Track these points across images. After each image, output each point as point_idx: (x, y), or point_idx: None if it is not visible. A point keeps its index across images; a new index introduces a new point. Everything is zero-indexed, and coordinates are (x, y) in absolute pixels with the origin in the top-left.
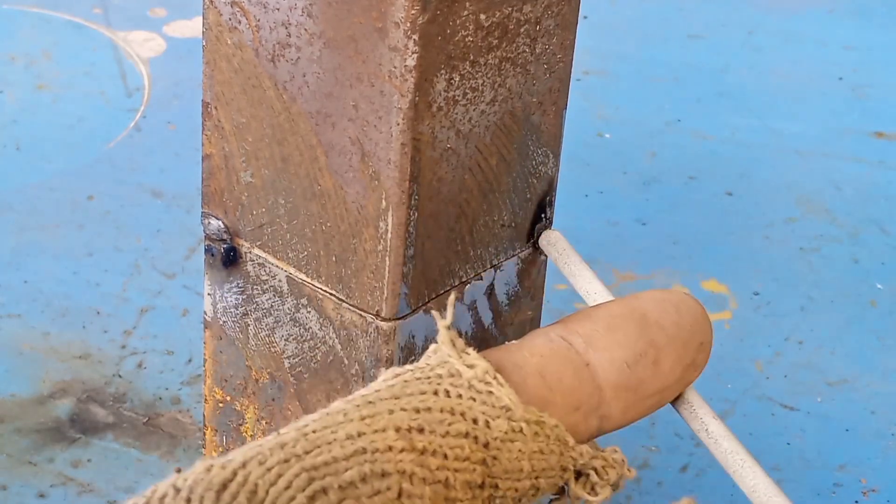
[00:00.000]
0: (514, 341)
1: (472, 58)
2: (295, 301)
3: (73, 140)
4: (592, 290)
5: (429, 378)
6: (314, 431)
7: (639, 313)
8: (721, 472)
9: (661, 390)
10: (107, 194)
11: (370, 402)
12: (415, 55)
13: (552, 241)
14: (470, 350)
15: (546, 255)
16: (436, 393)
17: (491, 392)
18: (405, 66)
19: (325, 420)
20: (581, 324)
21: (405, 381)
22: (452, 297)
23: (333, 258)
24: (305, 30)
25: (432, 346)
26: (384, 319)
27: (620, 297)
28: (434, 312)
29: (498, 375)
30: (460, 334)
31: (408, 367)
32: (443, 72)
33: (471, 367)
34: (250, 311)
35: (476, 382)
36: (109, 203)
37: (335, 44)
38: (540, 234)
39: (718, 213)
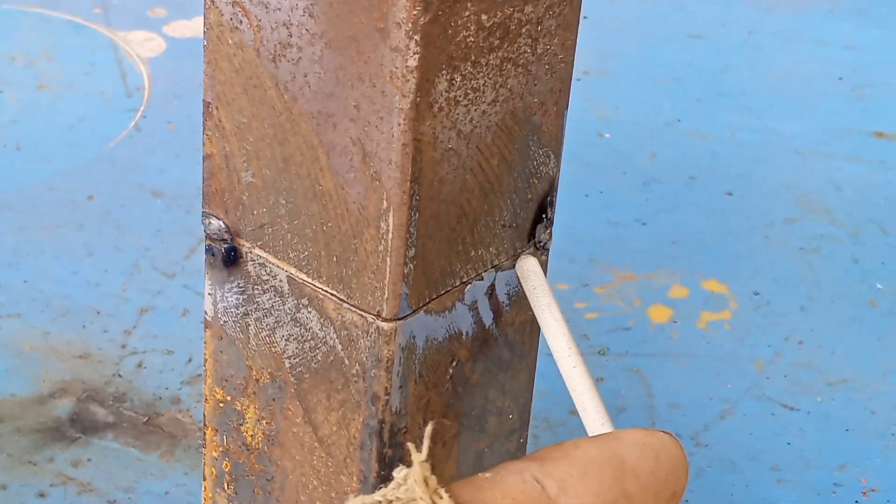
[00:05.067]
0: (486, 474)
1: (473, 58)
2: (296, 301)
3: (73, 140)
4: (554, 332)
5: None
6: None
7: (617, 459)
8: (721, 472)
9: None
10: (107, 194)
11: None
12: (416, 56)
13: (528, 269)
14: (442, 493)
15: (546, 256)
16: None
17: None
18: (406, 66)
19: None
20: (557, 465)
21: None
22: (429, 428)
23: (334, 258)
24: (307, 30)
25: (403, 473)
26: (385, 320)
27: (602, 435)
28: (410, 445)
29: None
30: (461, 335)
31: (376, 496)
32: (444, 72)
33: None
34: (251, 310)
35: None
36: (109, 203)
37: (336, 44)
38: (529, 245)
39: (718, 213)
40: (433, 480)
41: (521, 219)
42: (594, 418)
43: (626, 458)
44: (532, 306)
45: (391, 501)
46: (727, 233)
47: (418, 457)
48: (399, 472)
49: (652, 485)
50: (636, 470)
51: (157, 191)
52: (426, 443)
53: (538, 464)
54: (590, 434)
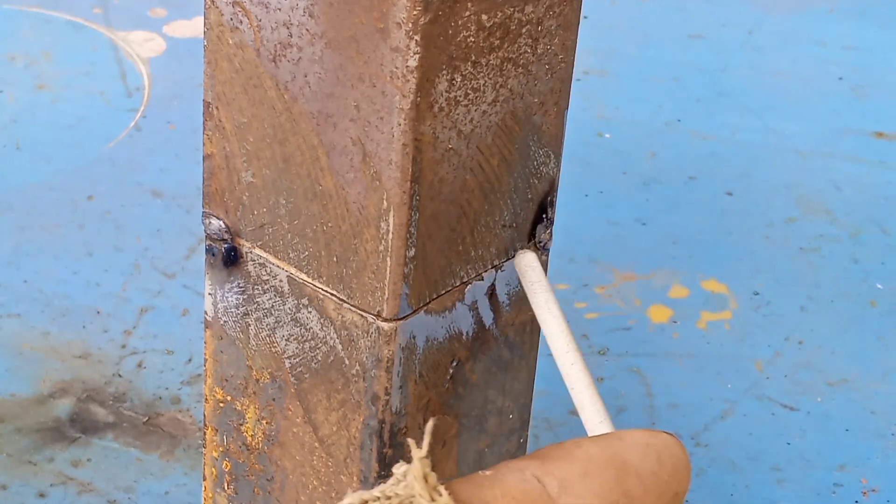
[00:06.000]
0: (487, 472)
1: (473, 58)
2: (296, 301)
3: (73, 140)
4: (552, 328)
5: None
6: None
7: (619, 460)
8: (721, 472)
9: None
10: (107, 194)
11: None
12: (416, 56)
13: (525, 265)
14: (442, 490)
15: (546, 256)
16: None
17: None
18: (407, 66)
19: None
20: (558, 464)
21: None
22: (430, 424)
23: (334, 258)
24: (307, 30)
25: (402, 469)
26: (385, 320)
27: (604, 435)
28: (409, 441)
29: None
30: (461, 335)
31: (374, 492)
32: (444, 72)
33: None
34: (251, 310)
35: None
36: (109, 203)
37: (337, 44)
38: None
39: (718, 213)
40: (433, 477)
41: (522, 219)
42: (592, 416)
43: (629, 459)
44: (530, 302)
45: (389, 497)
46: (727, 233)
47: (418, 453)
48: (398, 469)
49: (654, 486)
50: (638, 471)
51: (157, 191)
52: (426, 439)
53: (539, 462)
54: (589, 431)
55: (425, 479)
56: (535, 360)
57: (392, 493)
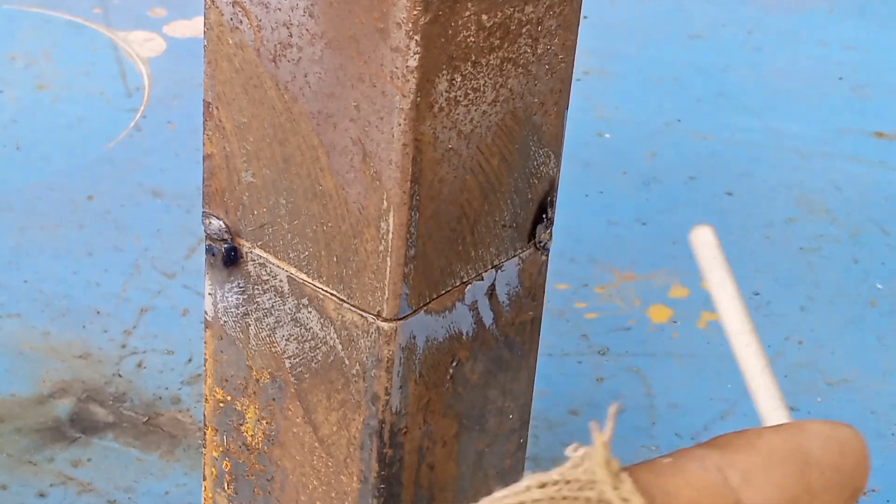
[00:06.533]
0: (667, 459)
1: (473, 58)
2: (296, 301)
3: (73, 140)
4: (726, 306)
5: (577, 500)
6: None
7: (801, 451)
8: None
9: None
10: (107, 194)
11: None
12: (416, 56)
13: (701, 241)
14: (625, 477)
15: (546, 256)
16: None
17: None
18: (407, 66)
19: None
20: (740, 455)
21: (552, 500)
22: (614, 408)
23: (334, 258)
24: (307, 30)
25: (581, 452)
26: (385, 320)
27: (786, 425)
28: (592, 423)
29: None
30: (461, 335)
31: (553, 475)
32: (444, 72)
33: (625, 501)
34: (251, 311)
35: None
36: (109, 203)
37: (337, 44)
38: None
39: (718, 213)
40: (615, 463)
41: (522, 219)
42: (767, 402)
43: (811, 451)
44: (705, 278)
45: (569, 482)
46: (727, 233)
47: (601, 437)
48: (576, 451)
49: (835, 480)
50: (820, 464)
51: (157, 191)
52: (610, 423)
53: (720, 452)
54: (762, 419)
55: (608, 465)
56: (535, 360)
57: (572, 476)
